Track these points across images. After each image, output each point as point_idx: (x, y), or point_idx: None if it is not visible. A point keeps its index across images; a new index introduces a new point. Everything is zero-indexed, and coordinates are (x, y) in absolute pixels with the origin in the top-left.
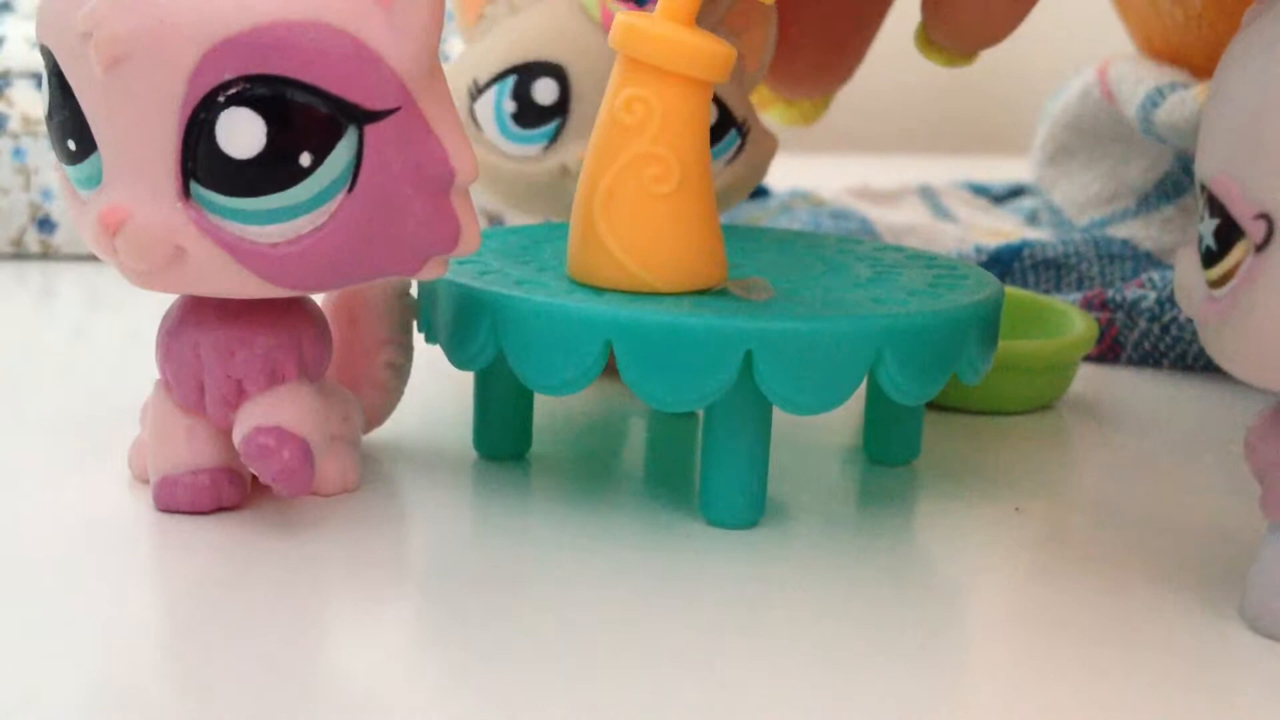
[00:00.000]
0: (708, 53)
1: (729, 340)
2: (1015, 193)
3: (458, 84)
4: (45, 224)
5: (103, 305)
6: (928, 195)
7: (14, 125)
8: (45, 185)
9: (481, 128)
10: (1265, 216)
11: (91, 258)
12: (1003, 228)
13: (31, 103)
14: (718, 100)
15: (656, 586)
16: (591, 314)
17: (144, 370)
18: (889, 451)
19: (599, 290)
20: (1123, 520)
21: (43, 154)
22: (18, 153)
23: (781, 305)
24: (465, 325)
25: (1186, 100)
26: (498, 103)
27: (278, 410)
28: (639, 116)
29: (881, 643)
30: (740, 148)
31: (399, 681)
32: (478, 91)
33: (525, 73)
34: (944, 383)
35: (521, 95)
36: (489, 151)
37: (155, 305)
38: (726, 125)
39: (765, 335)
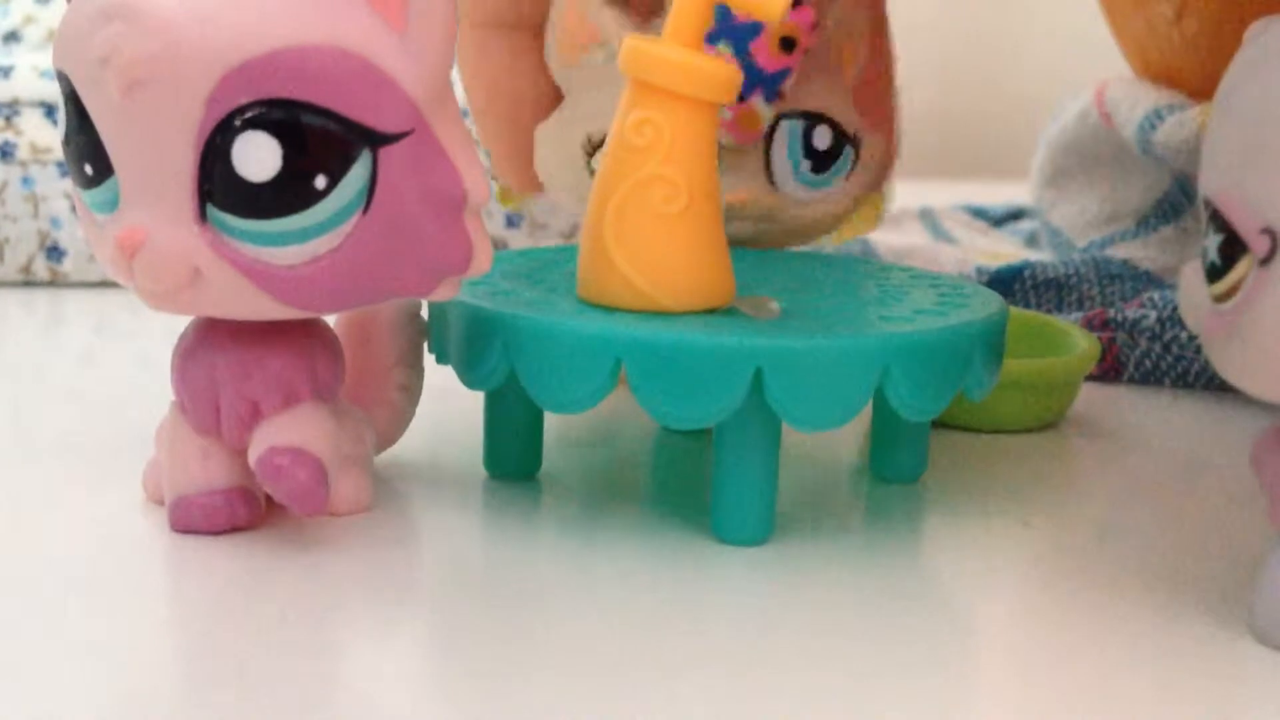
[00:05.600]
0: (714, 75)
1: (739, 358)
2: (1014, 215)
3: (566, 136)
4: (54, 251)
5: (111, 331)
6: (928, 218)
7: (23, 154)
8: (54, 213)
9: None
10: (1269, 231)
11: (100, 284)
12: (1002, 250)
13: (40, 131)
14: (827, 120)
15: (667, 604)
16: (603, 333)
17: (154, 394)
18: (896, 469)
19: (609, 309)
20: (1128, 535)
21: (51, 182)
22: (26, 181)
23: (790, 323)
24: (477, 346)
25: (1185, 121)
26: None
27: (293, 431)
28: (648, 138)
29: (891, 656)
30: (855, 160)
31: (411, 699)
32: (593, 149)
33: None
34: (950, 399)
35: None
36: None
37: (164, 331)
38: (840, 144)
39: (775, 353)
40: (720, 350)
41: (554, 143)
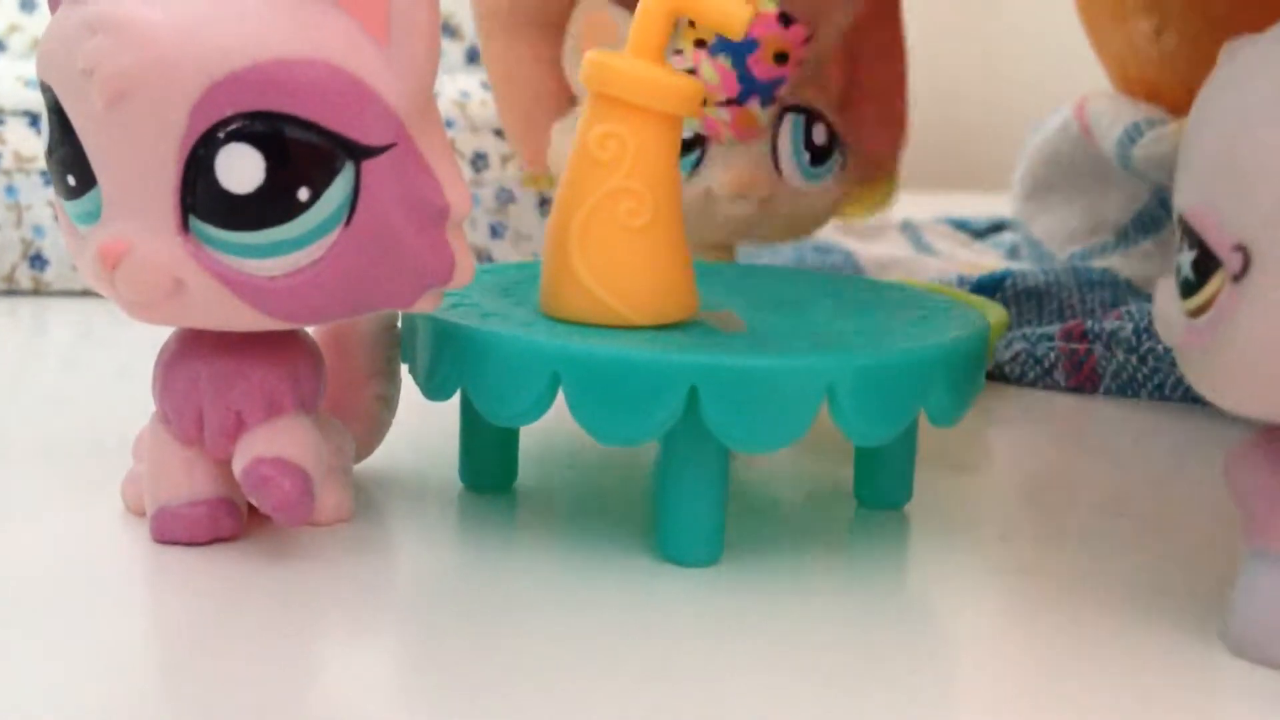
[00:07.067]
0: (677, 88)
1: (673, 375)
2: (996, 228)
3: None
4: (37, 260)
5: (94, 340)
6: (909, 230)
7: (6, 163)
8: (37, 222)
9: None
10: (1242, 248)
11: (83, 293)
12: (984, 262)
13: (24, 140)
14: (823, 119)
15: (643, 619)
16: (540, 346)
17: (136, 404)
18: (878, 494)
19: (556, 323)
20: (1104, 549)
21: (34, 191)
22: (10, 190)
23: (731, 341)
24: (433, 356)
25: (1164, 136)
26: None
27: (278, 441)
28: (612, 152)
29: (869, 670)
30: (843, 163)
31: (388, 708)
32: None
33: None
34: (904, 425)
35: None
36: None
37: (146, 341)
38: (833, 143)
39: (710, 371)
40: (655, 367)
41: (570, 142)
